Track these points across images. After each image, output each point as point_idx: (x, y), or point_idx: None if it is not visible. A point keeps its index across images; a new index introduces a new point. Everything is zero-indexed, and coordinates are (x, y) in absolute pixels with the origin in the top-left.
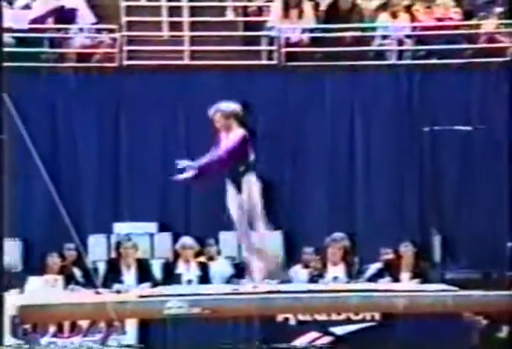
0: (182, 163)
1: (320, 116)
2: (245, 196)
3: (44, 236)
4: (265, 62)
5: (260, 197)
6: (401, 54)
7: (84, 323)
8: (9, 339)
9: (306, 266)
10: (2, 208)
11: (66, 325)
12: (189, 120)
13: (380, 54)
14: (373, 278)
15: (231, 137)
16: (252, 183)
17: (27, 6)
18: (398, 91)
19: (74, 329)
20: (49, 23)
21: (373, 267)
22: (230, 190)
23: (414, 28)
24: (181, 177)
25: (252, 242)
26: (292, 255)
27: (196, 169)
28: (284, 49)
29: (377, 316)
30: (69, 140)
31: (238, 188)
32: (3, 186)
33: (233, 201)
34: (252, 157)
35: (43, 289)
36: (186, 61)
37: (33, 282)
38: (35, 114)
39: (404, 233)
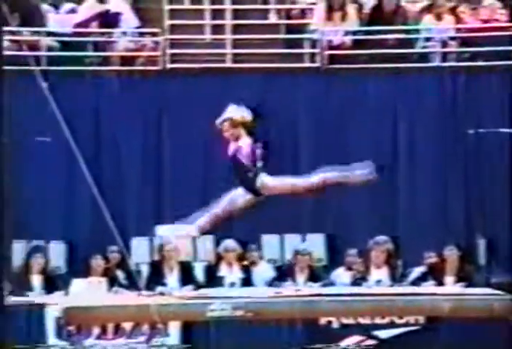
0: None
1: (363, 119)
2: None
3: (87, 239)
4: (307, 64)
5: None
6: (445, 57)
7: (127, 325)
8: (53, 341)
9: (349, 268)
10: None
11: (110, 327)
12: None
13: (424, 57)
14: (417, 282)
15: (243, 145)
16: (264, 181)
17: (72, 11)
18: (442, 93)
19: (118, 330)
20: (94, 27)
21: (417, 271)
22: (238, 190)
23: (458, 30)
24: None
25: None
26: (334, 258)
27: None
28: (326, 52)
29: (421, 320)
30: (112, 143)
31: (252, 192)
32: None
33: (232, 198)
34: (259, 164)
35: (87, 291)
36: (228, 64)
37: (77, 284)
38: (79, 117)
39: (448, 237)
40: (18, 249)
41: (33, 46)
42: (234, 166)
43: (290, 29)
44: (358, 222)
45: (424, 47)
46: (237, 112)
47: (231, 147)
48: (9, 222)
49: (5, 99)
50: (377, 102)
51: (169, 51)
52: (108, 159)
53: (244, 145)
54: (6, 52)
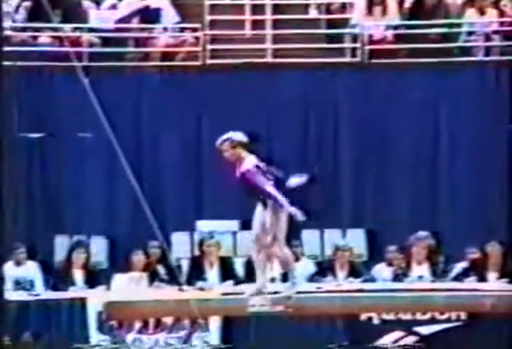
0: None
1: (404, 114)
2: (268, 214)
3: (128, 234)
4: (348, 59)
5: (285, 218)
6: (488, 51)
7: (168, 320)
8: (95, 335)
9: (390, 264)
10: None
11: (151, 321)
12: (271, 118)
13: (467, 51)
14: (459, 278)
15: (245, 164)
16: (277, 207)
17: (113, 7)
18: (484, 88)
19: (159, 325)
20: (134, 23)
21: (459, 267)
22: (258, 207)
23: (501, 24)
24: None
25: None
26: (375, 253)
27: None
28: (367, 46)
29: (462, 316)
30: (153, 139)
31: (265, 205)
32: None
33: (256, 214)
34: (271, 182)
35: (128, 286)
36: (269, 59)
37: (119, 279)
38: (120, 113)
39: (490, 232)
40: (60, 244)
41: (75, 43)
42: (244, 187)
43: (331, 24)
44: (398, 218)
45: (466, 41)
46: (236, 134)
47: (238, 170)
48: (52, 217)
49: (46, 96)
50: (418, 97)
51: (210, 46)
52: (149, 154)
53: (247, 166)
54: (49, 48)
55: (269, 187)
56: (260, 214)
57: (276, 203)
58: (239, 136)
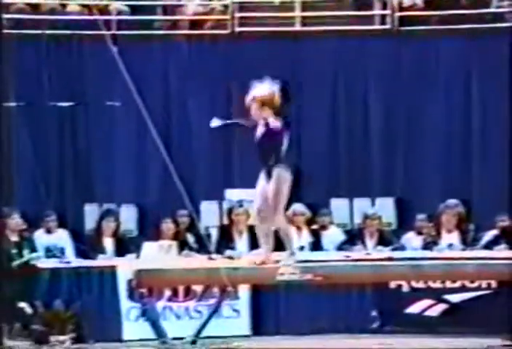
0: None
1: (435, 82)
2: (271, 186)
3: (158, 202)
4: (378, 26)
5: (287, 190)
6: None
7: (198, 288)
8: (126, 303)
9: (419, 233)
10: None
11: (181, 289)
12: (301, 87)
13: (499, 17)
14: (489, 246)
15: (273, 122)
16: (281, 174)
17: None
18: None
19: (189, 293)
20: None
21: (489, 235)
22: (261, 176)
23: None
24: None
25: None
26: (404, 222)
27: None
28: (397, 13)
29: (493, 284)
30: (182, 107)
31: (268, 176)
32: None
33: (259, 187)
34: (284, 148)
35: (158, 254)
36: (298, 27)
37: (148, 247)
38: (148, 82)
39: None
40: (90, 213)
41: (103, 11)
42: (260, 148)
43: None
44: (428, 186)
45: (498, 7)
46: (266, 90)
47: (259, 128)
48: (82, 186)
49: (75, 65)
50: (450, 65)
51: (238, 14)
52: (178, 123)
53: (273, 125)
54: (77, 17)
55: (281, 151)
56: (262, 187)
57: (279, 172)
58: (268, 91)
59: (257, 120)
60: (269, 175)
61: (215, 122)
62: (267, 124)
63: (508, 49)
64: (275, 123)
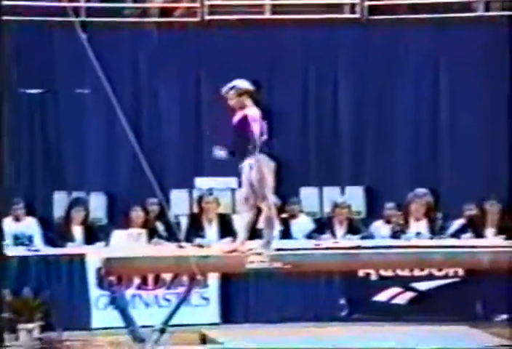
0: (217, 153)
1: (404, 72)
2: (253, 175)
3: (127, 190)
4: (347, 15)
5: (271, 178)
6: (488, 6)
7: (167, 276)
8: (95, 291)
9: (388, 221)
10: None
11: (150, 278)
12: (270, 75)
13: (467, 6)
14: (456, 234)
15: (249, 113)
16: (261, 163)
17: None
18: (485, 44)
19: (158, 281)
20: None
21: (456, 223)
22: (245, 166)
23: None
24: (218, 155)
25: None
26: (373, 210)
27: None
28: (367, 2)
29: (460, 272)
30: (151, 95)
31: (251, 166)
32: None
33: (244, 176)
34: (264, 137)
35: (127, 243)
36: (267, 15)
37: (118, 235)
38: (118, 69)
39: (489, 190)
40: (59, 200)
41: None
42: (237, 135)
43: None
44: (397, 175)
45: None
46: (242, 82)
47: (237, 116)
48: (51, 174)
49: (44, 51)
50: (419, 55)
51: (208, 2)
52: (147, 111)
53: (250, 113)
54: (47, 3)
55: (259, 140)
56: (247, 175)
57: (259, 159)
58: (245, 84)
59: (235, 108)
60: (249, 163)
61: (219, 152)
62: (245, 113)
63: (475, 38)
64: (253, 111)
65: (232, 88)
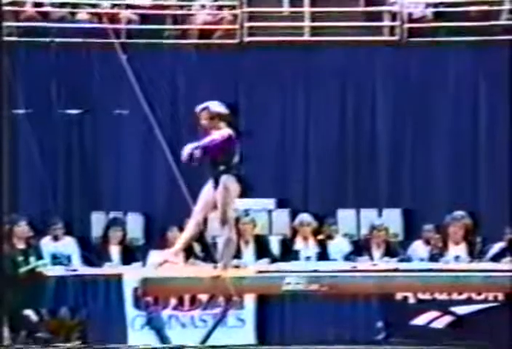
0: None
1: (443, 94)
2: (219, 196)
3: (164, 211)
4: (387, 38)
5: (234, 200)
6: None
7: (203, 297)
8: (132, 311)
9: (427, 242)
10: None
11: (186, 298)
12: (309, 96)
13: (508, 29)
14: (496, 258)
15: (218, 133)
16: (229, 184)
17: None
18: None
19: (194, 302)
20: (173, 0)
21: (496, 247)
22: (209, 183)
23: None
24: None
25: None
26: (411, 233)
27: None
28: (406, 25)
29: (500, 296)
30: (190, 116)
31: (216, 185)
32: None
33: (204, 193)
34: (235, 159)
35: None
36: (307, 37)
37: (155, 256)
38: (156, 90)
39: None
40: (97, 220)
41: (113, 19)
42: (210, 156)
43: (369, 1)
44: (435, 197)
45: (508, 19)
46: (215, 105)
47: (207, 138)
48: (89, 194)
49: (84, 72)
50: (458, 77)
51: (247, 24)
52: (185, 132)
53: (219, 136)
54: (87, 25)
55: (229, 162)
56: (207, 193)
57: (230, 179)
58: (217, 107)
59: (207, 129)
60: (215, 182)
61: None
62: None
63: None
64: (223, 133)
65: (204, 109)
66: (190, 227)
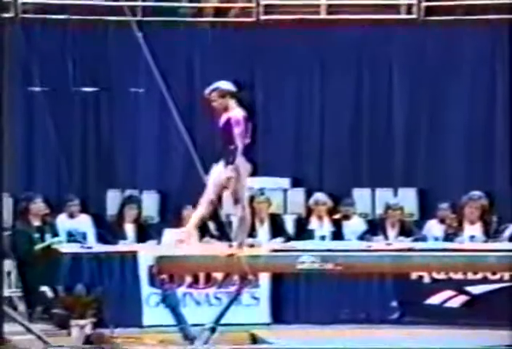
0: None
1: (459, 73)
2: (229, 174)
3: (180, 189)
4: (403, 16)
5: (245, 179)
6: None
7: (218, 276)
8: (147, 288)
9: (442, 221)
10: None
11: (201, 276)
12: (325, 75)
13: None
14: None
15: (231, 115)
16: (239, 164)
17: None
18: None
19: (209, 280)
20: None
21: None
22: (220, 163)
23: None
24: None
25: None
26: (426, 213)
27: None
28: (424, 3)
29: None
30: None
31: (226, 165)
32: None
33: (215, 172)
34: (247, 139)
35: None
36: (323, 15)
37: (169, 234)
38: (172, 68)
39: None
40: (112, 198)
41: None
42: (221, 137)
43: None
44: (451, 177)
45: None
46: (224, 83)
47: (222, 118)
48: (104, 172)
49: (100, 50)
50: (475, 55)
51: (263, 2)
52: (201, 110)
53: (233, 115)
54: (103, 3)
55: (242, 142)
56: (217, 174)
57: (238, 161)
58: (228, 85)
59: (219, 110)
60: (227, 162)
61: None
62: (228, 116)
63: None
64: (236, 113)
65: (215, 89)
66: (203, 205)
